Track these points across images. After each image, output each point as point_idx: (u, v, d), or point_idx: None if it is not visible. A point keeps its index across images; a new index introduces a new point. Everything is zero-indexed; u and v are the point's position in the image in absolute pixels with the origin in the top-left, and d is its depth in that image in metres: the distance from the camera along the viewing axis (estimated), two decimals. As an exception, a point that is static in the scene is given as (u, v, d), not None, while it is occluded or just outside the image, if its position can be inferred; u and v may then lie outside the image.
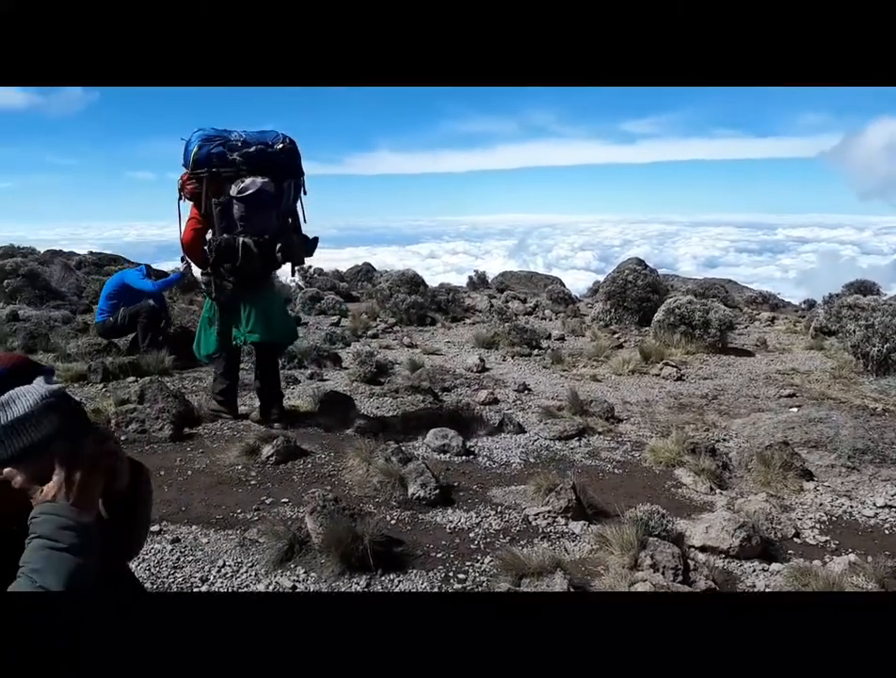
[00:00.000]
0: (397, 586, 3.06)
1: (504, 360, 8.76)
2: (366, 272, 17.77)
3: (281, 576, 3.11)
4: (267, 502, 3.84)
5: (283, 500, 3.86)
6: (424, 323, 11.35)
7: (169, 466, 4.26)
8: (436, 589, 3.03)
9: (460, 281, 18.81)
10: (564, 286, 16.88)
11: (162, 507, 3.73)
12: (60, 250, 17.86)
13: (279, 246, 4.76)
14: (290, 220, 5.00)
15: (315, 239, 5.12)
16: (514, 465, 4.74)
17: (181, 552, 3.31)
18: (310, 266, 16.80)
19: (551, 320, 12.07)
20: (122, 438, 4.68)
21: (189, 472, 4.21)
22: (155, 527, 3.48)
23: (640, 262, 14.95)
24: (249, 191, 4.56)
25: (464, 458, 4.77)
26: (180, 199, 4.74)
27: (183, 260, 4.92)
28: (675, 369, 7.88)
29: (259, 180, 4.58)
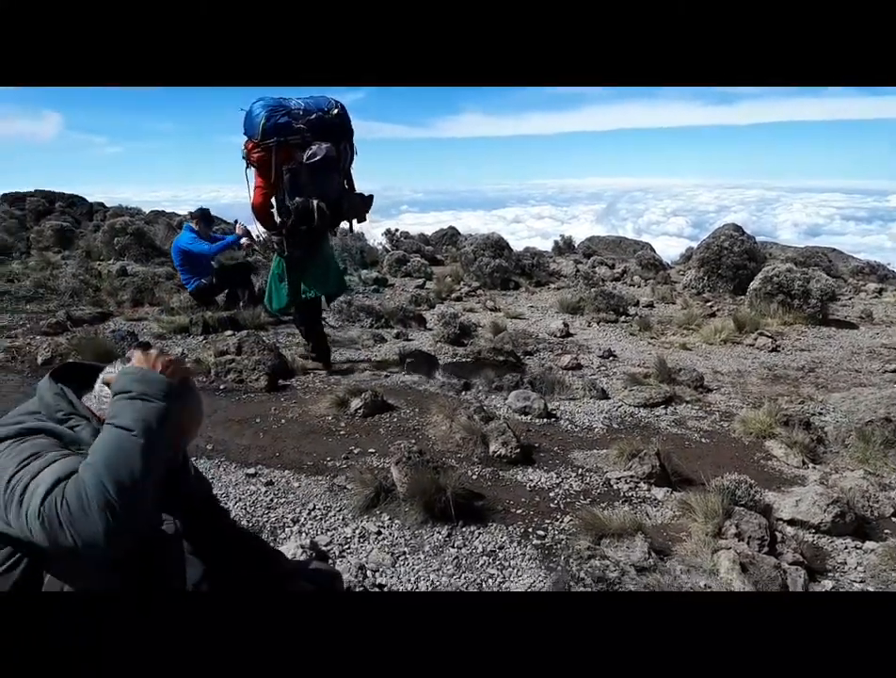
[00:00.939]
0: (477, 537, 3.14)
1: (588, 326, 8.65)
2: (451, 236, 17.80)
3: (367, 522, 3.26)
4: (355, 452, 4.00)
5: (370, 450, 4.01)
6: (508, 287, 11.31)
7: (264, 414, 4.49)
8: (515, 543, 3.10)
9: (545, 246, 18.54)
10: (654, 252, 16.34)
11: (257, 452, 3.96)
12: (163, 211, 18.84)
13: (346, 205, 5.16)
14: (346, 181, 5.31)
15: (371, 197, 5.40)
16: (596, 430, 4.71)
17: (274, 494, 3.51)
18: (397, 229, 17.02)
19: (639, 287, 11.75)
20: (221, 387, 4.97)
21: (283, 420, 4.43)
22: (251, 470, 3.71)
23: (737, 228, 14.25)
24: (318, 157, 4.88)
25: (545, 420, 4.78)
26: (247, 166, 5.06)
27: (236, 222, 5.22)
28: (770, 340, 7.55)
29: (324, 146, 4.90)
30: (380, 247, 15.00)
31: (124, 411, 1.36)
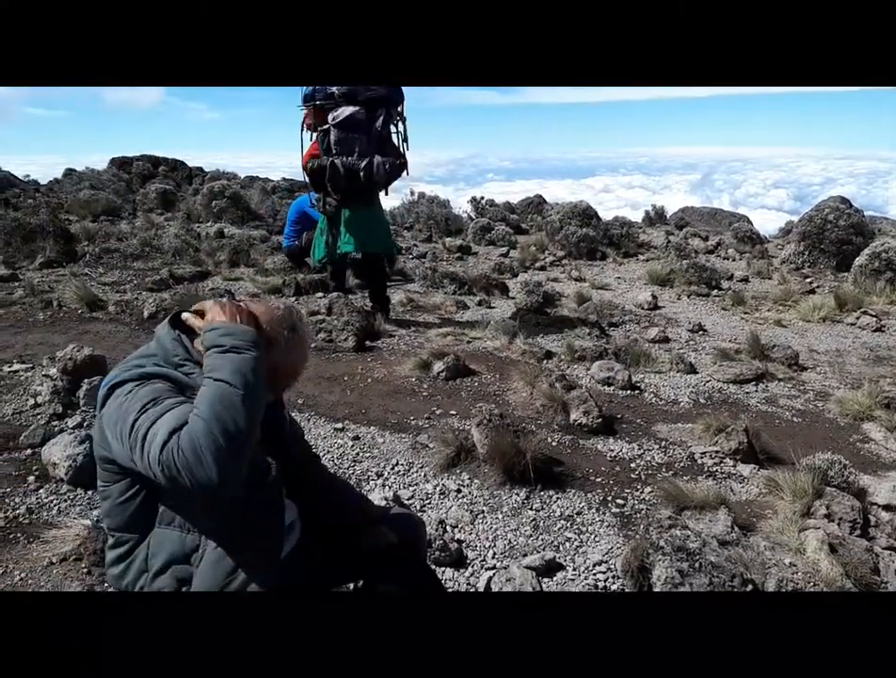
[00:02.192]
0: (555, 502, 3.18)
1: (678, 298, 8.40)
2: (537, 204, 17.54)
3: (448, 479, 3.35)
4: (437, 412, 4.09)
5: (451, 412, 4.09)
6: (595, 257, 11.09)
7: (352, 373, 4.65)
8: (593, 510, 3.11)
9: (635, 216, 17.99)
10: (751, 225, 15.57)
11: (345, 408, 4.12)
12: (257, 176, 19.47)
13: (362, 165, 5.37)
14: (383, 145, 5.51)
15: (401, 164, 5.57)
16: (682, 404, 4.62)
17: (360, 448, 3.65)
18: (482, 197, 16.94)
19: (734, 260, 11.26)
20: (312, 345, 5.17)
21: (369, 379, 4.58)
22: (339, 425, 3.87)
23: (844, 201, 13.36)
24: (341, 118, 5.27)
25: (629, 392, 4.72)
26: (302, 130, 5.54)
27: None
28: (874, 319, 7.11)
29: (349, 108, 5.27)
30: (465, 215, 14.98)
31: (221, 366, 1.45)
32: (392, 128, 5.58)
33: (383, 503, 2.95)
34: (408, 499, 3.17)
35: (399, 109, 5.53)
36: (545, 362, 5.11)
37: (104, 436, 1.55)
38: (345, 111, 5.30)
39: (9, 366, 4.30)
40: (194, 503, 1.55)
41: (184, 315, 1.65)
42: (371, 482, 3.33)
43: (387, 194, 5.86)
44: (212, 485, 1.34)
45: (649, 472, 3.53)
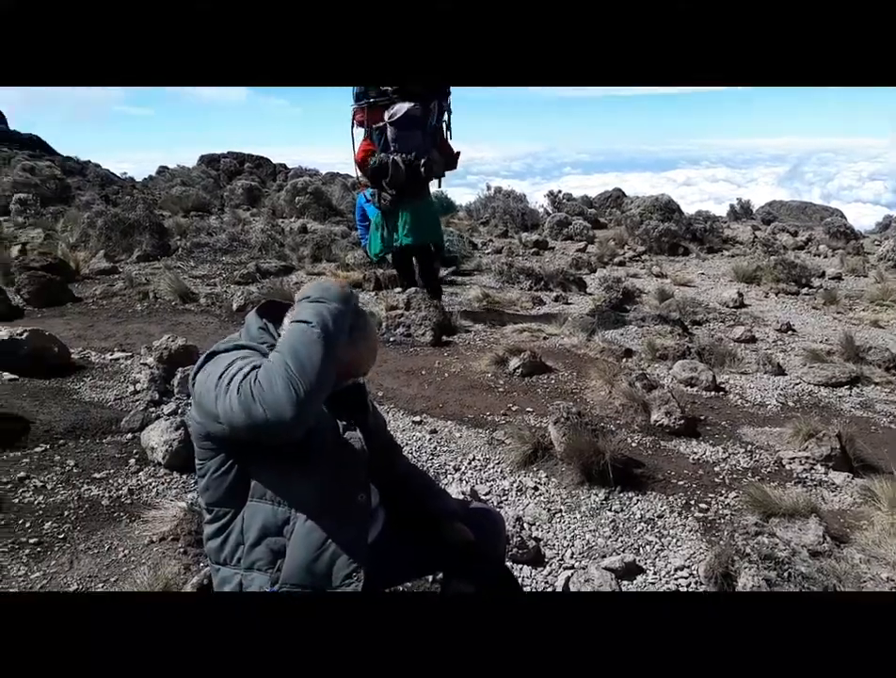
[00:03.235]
0: (635, 504, 3.13)
1: (766, 296, 8.06)
2: (616, 198, 17.16)
3: (525, 476, 3.35)
4: (513, 409, 4.10)
5: (528, 409, 4.09)
6: (677, 253, 10.79)
7: (429, 367, 4.71)
8: (675, 513, 3.04)
9: (719, 210, 17.33)
10: (845, 220, 14.75)
11: (422, 401, 4.18)
12: (338, 173, 19.89)
13: (423, 161, 5.47)
14: (437, 138, 5.67)
15: (457, 155, 5.77)
16: (769, 407, 4.44)
17: (437, 442, 3.70)
18: (559, 191, 16.73)
19: (826, 257, 10.71)
20: (391, 339, 5.27)
21: (446, 374, 4.63)
22: (417, 418, 3.93)
23: (953, 193, 12.42)
24: (398, 116, 5.32)
25: (713, 393, 4.58)
26: (352, 127, 5.65)
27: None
28: None
29: (405, 105, 5.32)
30: (542, 209, 14.84)
31: (305, 310, 1.53)
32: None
33: (460, 497, 2.98)
34: (485, 494, 3.19)
35: (448, 101, 5.65)
36: (624, 360, 5.02)
37: (199, 409, 1.64)
38: (402, 108, 5.37)
39: (111, 354, 4.58)
40: (283, 474, 1.62)
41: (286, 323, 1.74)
42: (448, 476, 3.37)
43: (440, 185, 6.09)
44: (282, 415, 1.38)
45: (734, 476, 3.42)
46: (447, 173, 6.01)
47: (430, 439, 3.71)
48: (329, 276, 2.01)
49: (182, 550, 2.47)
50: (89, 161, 25.01)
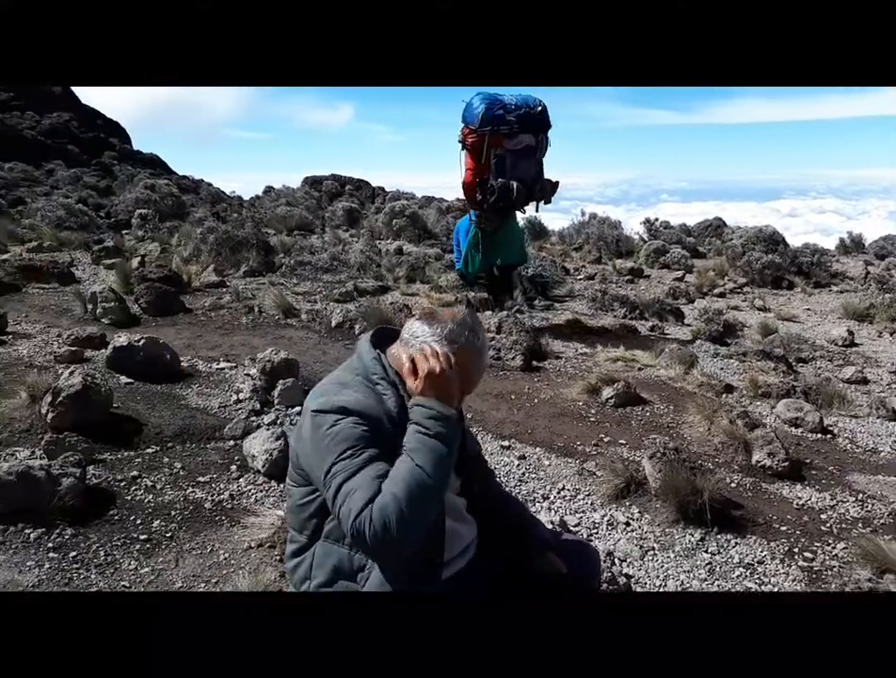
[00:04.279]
0: (733, 547, 2.98)
1: (879, 336, 7.56)
2: (716, 228, 16.61)
3: (616, 511, 3.26)
4: (605, 440, 4.01)
5: (621, 441, 3.99)
6: (781, 286, 10.31)
7: (519, 392, 4.69)
8: (777, 560, 2.88)
9: (828, 243, 16.41)
10: (974, 256, 13.60)
11: (511, 426, 4.16)
12: (434, 196, 20.29)
13: (538, 187, 6.04)
14: (541, 168, 6.14)
15: (557, 183, 6.25)
16: (882, 454, 4.15)
17: (526, 468, 3.67)
18: (656, 219, 16.37)
19: (950, 296, 9.93)
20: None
21: (535, 400, 4.59)
22: (506, 443, 3.91)
23: None
24: (522, 145, 5.80)
25: (819, 435, 4.32)
26: (462, 149, 5.95)
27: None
28: None
29: (528, 137, 5.82)
30: (637, 236, 14.56)
31: (423, 450, 1.52)
32: None
33: (549, 527, 2.94)
34: (574, 526, 3.13)
35: (548, 135, 6.13)
36: (724, 396, 4.83)
37: (302, 445, 1.68)
38: (525, 139, 5.86)
39: (217, 364, 4.83)
40: None
41: (393, 351, 1.74)
42: (537, 504, 3.33)
43: (537, 209, 6.59)
44: (394, 557, 1.50)
45: (843, 526, 3.20)
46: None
47: (518, 465, 3.69)
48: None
49: (278, 557, 2.55)
50: (202, 180, 26.70)
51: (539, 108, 5.88)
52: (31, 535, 2.63)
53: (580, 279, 10.02)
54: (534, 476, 3.61)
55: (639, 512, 3.24)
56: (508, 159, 5.85)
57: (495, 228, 6.18)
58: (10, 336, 5.18)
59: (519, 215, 6.68)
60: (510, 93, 5.90)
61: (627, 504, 3.31)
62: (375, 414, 1.62)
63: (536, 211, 6.63)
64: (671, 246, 12.71)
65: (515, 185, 5.84)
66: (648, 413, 4.44)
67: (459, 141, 5.99)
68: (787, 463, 3.68)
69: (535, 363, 5.33)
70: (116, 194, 17.37)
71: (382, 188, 21.94)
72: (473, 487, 1.89)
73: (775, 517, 3.25)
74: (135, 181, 19.52)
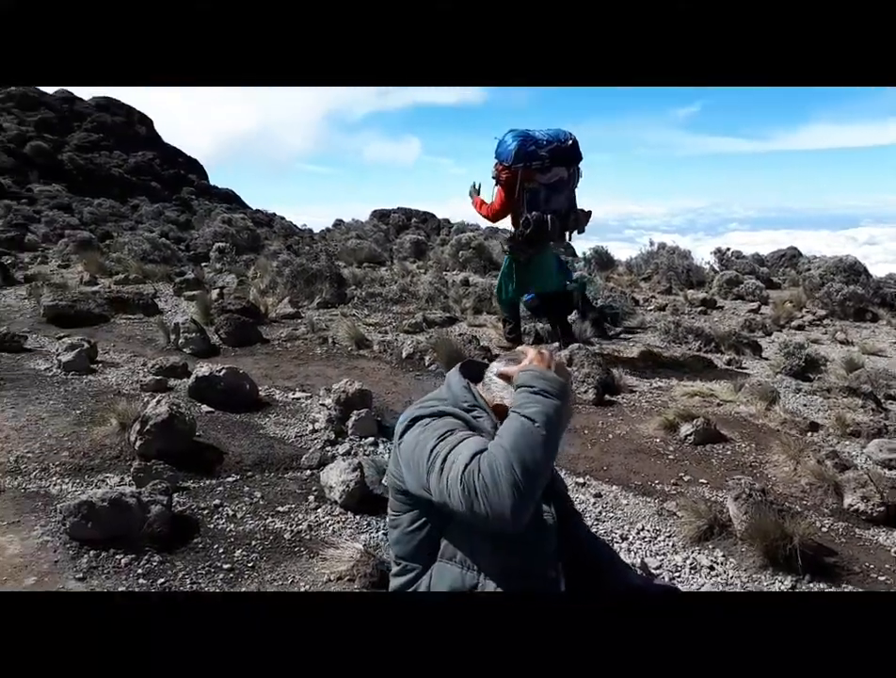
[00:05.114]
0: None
1: (979, 372, 7.08)
2: (790, 257, 16.08)
3: (699, 554, 3.14)
4: (685, 479, 3.88)
5: (701, 480, 3.85)
6: (864, 318, 9.84)
7: (592, 427, 4.61)
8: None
9: (913, 272, 15.59)
10: None
11: (585, 462, 4.08)
12: (498, 229, 20.39)
13: (573, 218, 6.26)
14: (574, 199, 6.35)
15: (590, 212, 6.42)
16: None
17: (602, 507, 3.58)
18: (728, 249, 15.98)
19: None
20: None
21: (610, 435, 4.50)
22: (580, 480, 3.83)
23: None
24: (554, 180, 6.03)
25: (917, 478, 4.06)
26: (496, 184, 6.24)
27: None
28: None
29: (561, 169, 6.04)
30: (707, 266, 14.22)
31: (528, 404, 1.54)
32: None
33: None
34: (655, 568, 3.02)
35: (580, 167, 6.29)
36: (810, 434, 4.61)
37: (399, 466, 1.71)
38: (557, 173, 6.06)
39: (293, 394, 4.94)
40: (476, 541, 1.63)
41: (496, 367, 1.80)
42: (615, 544, 3.23)
43: (570, 239, 6.80)
44: (504, 514, 1.41)
45: (950, 579, 2.98)
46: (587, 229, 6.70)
47: (595, 503, 3.61)
48: (529, 349, 2.03)
49: (357, 591, 2.56)
50: (275, 213, 27.69)
51: (570, 141, 6.06)
52: (122, 560, 2.73)
53: (650, 310, 9.83)
54: (611, 515, 3.51)
55: (723, 556, 3.11)
56: (542, 193, 6.09)
57: (528, 258, 6.40)
58: (100, 365, 5.44)
59: (580, 245, 6.99)
60: (541, 128, 6.13)
61: (710, 547, 3.18)
62: (470, 422, 1.65)
63: (570, 240, 6.90)
64: (744, 276, 12.35)
65: (549, 217, 6.07)
66: (729, 452, 4.28)
67: (493, 177, 6.30)
68: (882, 508, 3.47)
69: (608, 396, 5.23)
70: (195, 228, 18.21)
71: (447, 220, 22.23)
72: (563, 527, 1.86)
73: (872, 565, 3.06)
74: (212, 215, 20.42)
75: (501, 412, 1.70)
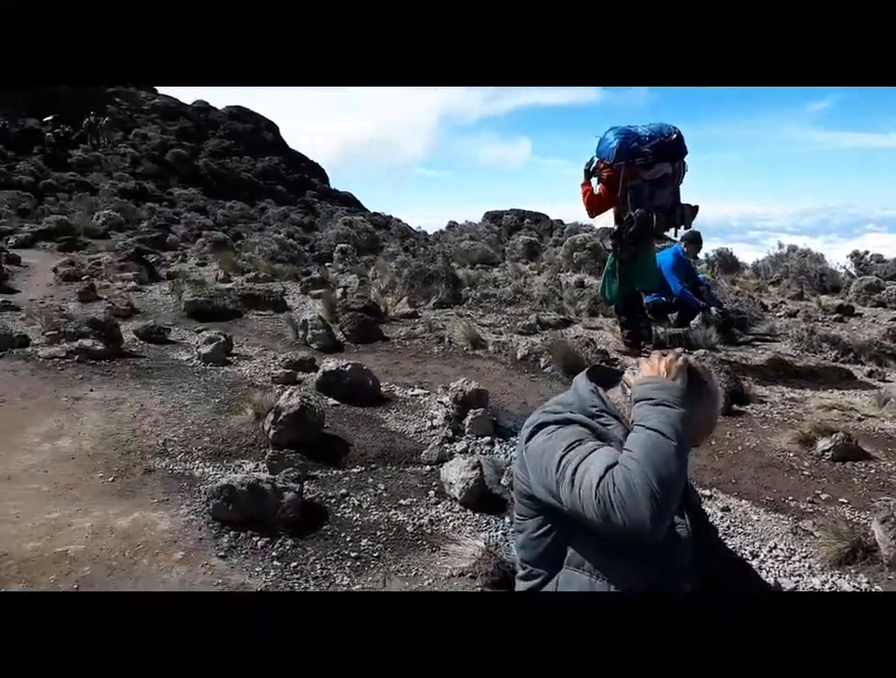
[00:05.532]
0: None
1: None
2: (945, 260, 14.61)
3: (840, 578, 2.93)
4: (822, 497, 3.63)
5: (841, 500, 3.59)
6: None
7: (720, 437, 4.41)
8: None
9: None
10: None
11: (712, 474, 3.91)
12: (612, 228, 19.93)
13: (678, 213, 6.06)
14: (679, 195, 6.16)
15: (696, 207, 6.19)
16: None
17: (731, 521, 3.42)
18: (866, 252, 14.78)
19: None
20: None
21: (739, 447, 4.29)
22: (707, 492, 3.68)
23: None
24: (659, 175, 5.90)
25: None
26: (598, 182, 6.15)
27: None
28: None
29: (665, 165, 5.89)
30: (843, 270, 13.22)
31: (652, 416, 1.51)
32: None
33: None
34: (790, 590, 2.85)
35: (685, 161, 6.10)
36: (970, 456, 4.18)
37: (526, 471, 1.71)
38: (661, 169, 5.89)
39: (412, 391, 5.06)
40: (607, 551, 1.60)
41: (626, 376, 1.76)
42: (746, 560, 3.08)
43: (675, 234, 6.67)
44: (643, 528, 1.39)
45: None
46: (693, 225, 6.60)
47: (722, 517, 3.45)
48: (653, 357, 1.96)
49: (479, 588, 2.59)
50: (391, 216, 28.46)
51: (674, 136, 5.88)
52: (258, 543, 2.91)
53: (779, 316, 9.26)
54: (740, 530, 3.35)
55: (868, 583, 2.88)
56: (646, 189, 5.95)
57: (632, 256, 6.25)
58: (235, 357, 5.82)
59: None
60: (644, 124, 5.96)
61: (853, 571, 2.96)
62: (597, 430, 1.63)
63: (675, 236, 6.80)
64: (886, 282, 11.38)
65: (653, 214, 5.95)
66: (872, 470, 3.96)
67: (595, 175, 6.19)
68: None
69: (735, 406, 4.98)
70: (318, 229, 19.06)
71: (560, 221, 21.96)
72: (700, 541, 1.80)
73: None
74: (334, 217, 21.27)
75: None
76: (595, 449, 1.55)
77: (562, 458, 1.57)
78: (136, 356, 5.68)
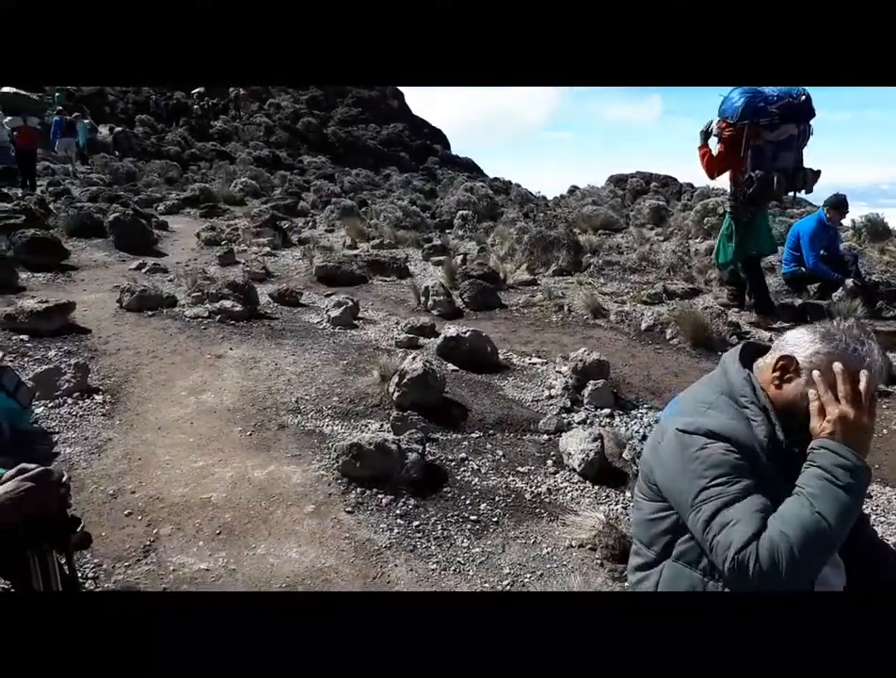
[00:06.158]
0: None
1: None
2: None
3: None
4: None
5: None
6: None
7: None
8: None
9: None
10: None
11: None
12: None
13: (801, 176, 5.94)
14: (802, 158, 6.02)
15: (819, 172, 6.02)
16: None
17: (871, 509, 3.20)
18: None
19: None
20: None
21: (884, 430, 3.98)
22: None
23: None
24: (783, 137, 5.77)
25: None
26: (718, 141, 5.99)
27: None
28: None
29: (790, 127, 5.75)
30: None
31: (826, 498, 1.38)
32: None
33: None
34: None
35: (811, 124, 5.93)
36: None
37: (656, 457, 1.65)
38: (787, 130, 5.75)
39: (530, 359, 5.07)
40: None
41: (760, 365, 1.65)
42: (888, 553, 2.88)
43: (794, 199, 6.82)
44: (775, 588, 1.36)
45: None
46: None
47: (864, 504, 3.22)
48: (840, 387, 1.68)
49: (598, 561, 2.60)
50: (511, 181, 28.16)
51: (803, 97, 5.74)
52: (383, 500, 3.06)
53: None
54: (882, 519, 3.13)
55: None
56: (769, 150, 5.83)
57: (749, 218, 6.06)
58: (361, 321, 6.06)
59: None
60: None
61: None
62: (747, 442, 1.53)
63: (794, 199, 6.80)
64: None
65: (775, 176, 5.82)
66: None
67: (716, 134, 5.99)
68: None
69: (882, 386, 4.60)
70: (439, 196, 19.22)
71: (690, 184, 20.81)
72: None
73: None
74: (455, 184, 21.35)
75: (786, 409, 1.56)
76: (739, 498, 1.44)
77: (702, 490, 1.46)
78: (271, 317, 6.05)
